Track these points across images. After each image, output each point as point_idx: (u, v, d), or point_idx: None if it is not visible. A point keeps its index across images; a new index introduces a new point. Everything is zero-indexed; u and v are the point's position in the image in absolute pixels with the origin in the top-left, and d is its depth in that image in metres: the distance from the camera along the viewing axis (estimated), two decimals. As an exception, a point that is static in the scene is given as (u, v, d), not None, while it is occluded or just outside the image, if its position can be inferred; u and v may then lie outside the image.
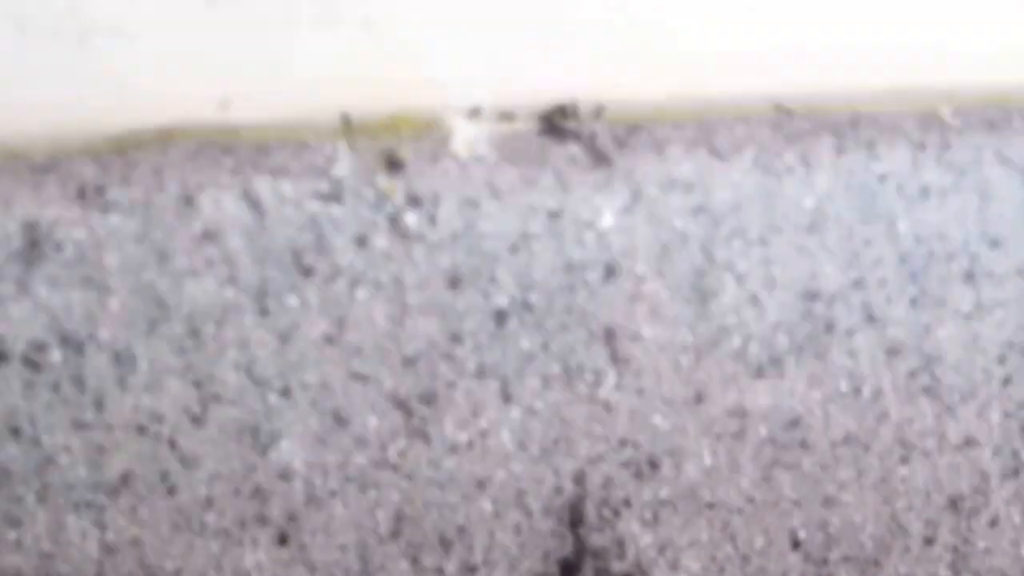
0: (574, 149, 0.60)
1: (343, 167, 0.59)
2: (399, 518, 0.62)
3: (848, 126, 0.62)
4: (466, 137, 0.61)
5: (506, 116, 0.62)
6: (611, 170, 0.59)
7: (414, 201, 0.59)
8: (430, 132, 0.61)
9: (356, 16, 0.60)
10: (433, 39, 0.61)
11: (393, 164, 0.59)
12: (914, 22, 0.64)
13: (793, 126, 0.62)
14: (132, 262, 0.59)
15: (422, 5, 0.60)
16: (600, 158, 0.60)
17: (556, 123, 0.61)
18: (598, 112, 0.62)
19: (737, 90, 0.63)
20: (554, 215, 0.59)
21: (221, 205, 0.58)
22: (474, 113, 0.62)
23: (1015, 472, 0.65)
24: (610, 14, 0.61)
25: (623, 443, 0.63)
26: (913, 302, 0.63)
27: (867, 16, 0.63)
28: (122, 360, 0.60)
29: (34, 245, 0.58)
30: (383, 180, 0.59)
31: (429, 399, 0.61)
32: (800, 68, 0.63)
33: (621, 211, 0.59)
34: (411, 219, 0.59)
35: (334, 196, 0.58)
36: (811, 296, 0.62)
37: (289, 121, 0.62)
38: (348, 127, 0.61)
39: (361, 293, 0.60)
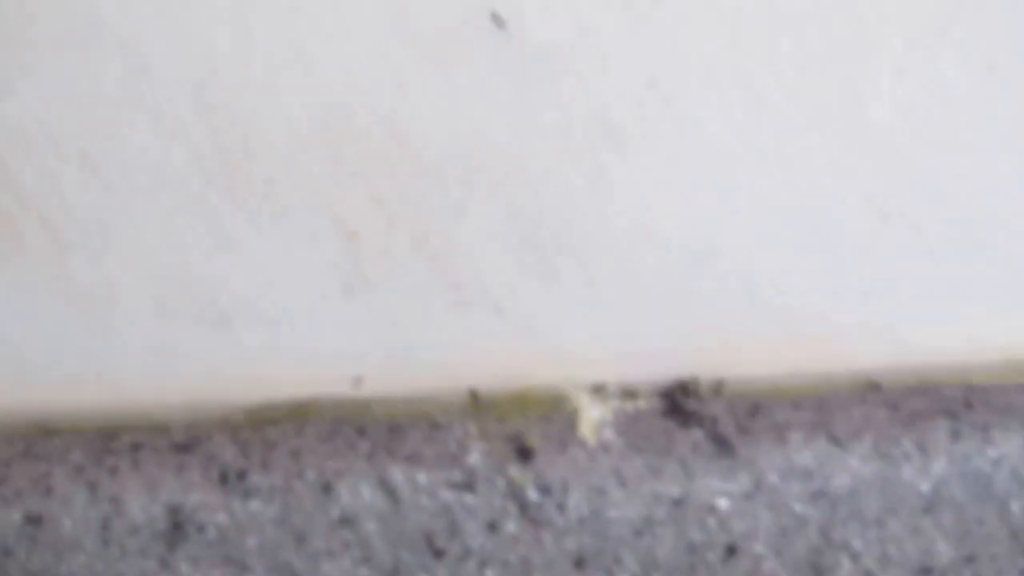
0: (697, 435, 0.62)
1: (475, 456, 0.61)
2: None
3: (963, 407, 0.63)
4: (592, 419, 0.63)
5: (629, 393, 0.64)
6: (734, 458, 0.61)
7: (544, 490, 0.61)
8: (556, 410, 0.63)
9: (488, 302, 0.62)
10: (560, 320, 0.63)
11: (523, 452, 0.61)
12: (1020, 291, 0.65)
13: (909, 407, 0.63)
14: (271, 543, 0.61)
15: (550, 291, 0.62)
16: (723, 445, 0.61)
17: (678, 402, 0.63)
18: (718, 388, 0.64)
19: (850, 365, 0.65)
20: (678, 502, 0.61)
21: (358, 493, 0.61)
22: (598, 390, 0.64)
23: None
24: (726, 293, 0.63)
25: None
26: (1023, 573, 0.64)
27: (976, 291, 0.65)
28: (258, 631, 0.62)
29: (178, 527, 0.61)
30: (514, 469, 0.61)
31: (551, 667, 0.64)
32: (913, 341, 0.65)
33: (742, 497, 0.61)
34: (541, 507, 0.61)
35: (467, 486, 0.61)
36: (924, 571, 0.64)
37: (419, 396, 0.64)
38: (476, 404, 0.63)
39: (490, 572, 0.62)
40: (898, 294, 0.65)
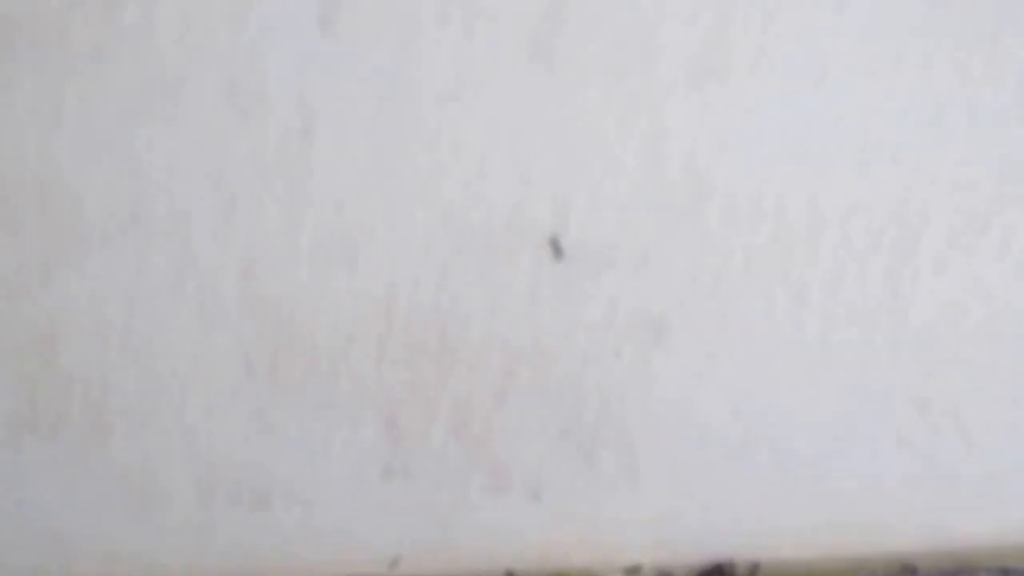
0: (733, 624, 0.62)
1: (512, 645, 0.61)
2: None
3: (998, 596, 0.63)
4: (627, 605, 0.63)
5: (664, 576, 0.64)
6: (770, 649, 0.61)
7: None
8: (591, 593, 0.63)
9: (526, 487, 0.62)
10: (597, 504, 0.63)
11: (560, 642, 0.61)
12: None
13: (945, 596, 0.63)
14: None
15: (588, 476, 0.63)
16: (759, 634, 0.61)
17: (713, 587, 0.63)
18: (753, 571, 0.64)
19: (886, 548, 0.65)
20: None
21: None
22: (633, 572, 0.64)
23: None
24: (764, 479, 0.63)
25: None
26: None
27: (1011, 477, 0.65)
28: None
29: None
30: (551, 659, 0.61)
31: None
32: (948, 525, 0.65)
33: None
34: None
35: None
36: None
37: (455, 577, 0.64)
38: (512, 586, 0.64)
39: None
40: (934, 479, 0.65)
